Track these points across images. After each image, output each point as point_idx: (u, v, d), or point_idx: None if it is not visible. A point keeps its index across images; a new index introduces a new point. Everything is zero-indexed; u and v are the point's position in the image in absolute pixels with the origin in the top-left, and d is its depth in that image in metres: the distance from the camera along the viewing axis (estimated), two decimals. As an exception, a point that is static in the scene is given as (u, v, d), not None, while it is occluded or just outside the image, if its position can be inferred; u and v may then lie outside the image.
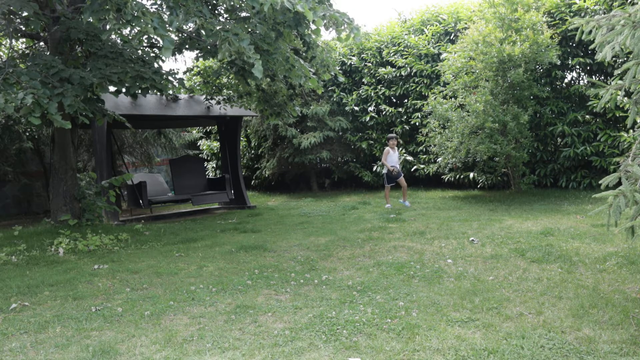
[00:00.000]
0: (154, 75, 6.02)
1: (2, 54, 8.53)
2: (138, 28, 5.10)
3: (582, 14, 8.88)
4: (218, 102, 9.57)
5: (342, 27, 5.37)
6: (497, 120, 8.22)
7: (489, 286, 3.78)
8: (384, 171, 8.84)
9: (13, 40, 7.63)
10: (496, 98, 8.62)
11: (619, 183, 2.98)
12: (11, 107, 4.85)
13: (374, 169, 11.62)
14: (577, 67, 9.41)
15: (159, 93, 7.06)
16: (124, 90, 6.14)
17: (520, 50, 8.20)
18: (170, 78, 6.39)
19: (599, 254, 4.55)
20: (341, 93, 11.99)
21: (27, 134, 10.74)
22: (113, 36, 6.60)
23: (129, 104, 8.82)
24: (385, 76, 11.38)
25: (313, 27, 5.60)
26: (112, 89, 6.25)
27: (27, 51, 8.15)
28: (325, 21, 5.34)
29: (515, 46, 8.29)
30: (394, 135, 9.05)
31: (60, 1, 6.26)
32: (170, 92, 7.96)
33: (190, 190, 10.08)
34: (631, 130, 7.86)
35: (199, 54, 7.17)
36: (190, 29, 7.05)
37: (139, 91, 6.17)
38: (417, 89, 10.90)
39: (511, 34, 8.45)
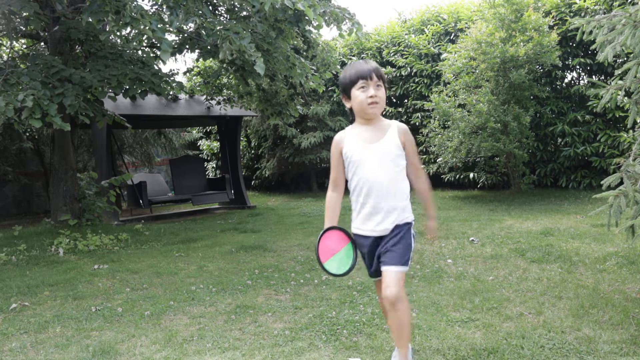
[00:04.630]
0: (152, 77, 6.03)
1: (2, 53, 8.53)
2: (137, 30, 5.10)
3: (582, 14, 8.88)
4: (218, 103, 9.57)
5: (344, 23, 5.38)
6: (499, 120, 8.23)
7: (489, 286, 3.78)
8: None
9: (13, 41, 7.63)
10: (497, 98, 8.62)
11: (620, 183, 2.97)
12: (11, 110, 4.85)
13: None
14: (578, 67, 9.40)
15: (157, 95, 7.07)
16: (122, 92, 6.15)
17: (524, 51, 8.20)
18: (168, 80, 6.39)
19: (599, 254, 4.55)
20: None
21: (27, 134, 10.75)
22: (112, 37, 6.60)
23: (129, 104, 8.83)
24: (385, 76, 11.38)
25: (315, 23, 5.61)
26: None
27: (27, 51, 8.14)
28: (326, 17, 5.35)
29: (519, 47, 8.28)
30: (368, 68, 2.27)
31: (61, 1, 6.26)
32: (171, 93, 7.97)
33: (190, 190, 10.08)
34: (631, 131, 7.86)
35: (200, 54, 7.17)
36: (191, 29, 7.05)
37: (138, 92, 6.17)
38: (417, 89, 10.89)
39: (515, 35, 8.44)
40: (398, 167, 2.31)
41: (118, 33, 5.30)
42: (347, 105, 2.36)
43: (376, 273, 2.39)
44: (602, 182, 3.08)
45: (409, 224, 2.33)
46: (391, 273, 2.24)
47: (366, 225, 2.33)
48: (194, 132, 14.94)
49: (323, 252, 2.28)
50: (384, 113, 9.99)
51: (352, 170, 2.33)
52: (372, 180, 2.28)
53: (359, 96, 2.27)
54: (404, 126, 2.37)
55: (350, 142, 2.35)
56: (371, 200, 2.29)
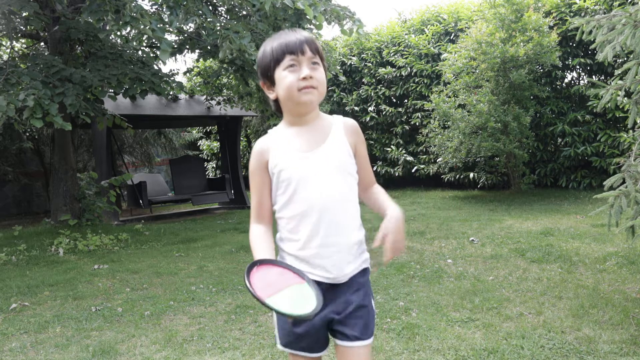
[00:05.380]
0: (152, 77, 6.03)
1: (2, 53, 8.53)
2: (136, 30, 5.11)
3: (582, 14, 8.88)
4: (218, 103, 9.57)
5: (344, 21, 5.38)
6: (499, 120, 8.23)
7: (489, 286, 3.78)
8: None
9: (13, 41, 7.63)
10: (497, 98, 8.62)
11: (622, 183, 2.97)
12: (13, 110, 4.86)
13: (374, 168, 11.62)
14: (578, 67, 9.40)
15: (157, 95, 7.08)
16: (122, 92, 6.15)
17: (524, 51, 8.20)
18: (168, 80, 6.39)
19: (599, 254, 4.55)
20: (341, 93, 11.99)
21: (27, 134, 10.75)
22: (112, 36, 6.61)
23: (129, 104, 8.83)
24: (385, 76, 11.37)
25: (315, 22, 5.62)
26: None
27: (27, 51, 8.15)
28: (327, 15, 5.35)
29: (519, 47, 8.28)
30: (298, 39, 1.48)
31: (61, 1, 6.27)
32: (171, 93, 7.97)
33: (190, 190, 10.08)
34: (631, 131, 7.86)
35: (200, 54, 7.17)
36: (191, 29, 7.05)
37: (138, 92, 6.18)
38: (417, 89, 10.89)
39: (515, 35, 8.44)
40: (350, 182, 1.57)
41: (118, 33, 5.30)
42: (271, 95, 1.56)
43: (315, 348, 1.55)
44: (604, 183, 3.08)
45: (367, 272, 1.63)
46: (360, 350, 1.51)
47: (314, 268, 1.50)
48: (194, 132, 14.95)
49: (260, 287, 1.32)
50: (383, 112, 9.73)
51: (285, 192, 1.52)
52: (320, 205, 1.49)
53: (286, 78, 1.46)
54: (353, 122, 1.65)
55: (278, 151, 1.53)
56: (320, 234, 1.50)
